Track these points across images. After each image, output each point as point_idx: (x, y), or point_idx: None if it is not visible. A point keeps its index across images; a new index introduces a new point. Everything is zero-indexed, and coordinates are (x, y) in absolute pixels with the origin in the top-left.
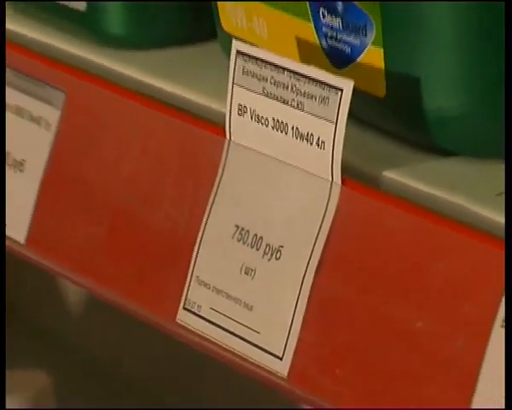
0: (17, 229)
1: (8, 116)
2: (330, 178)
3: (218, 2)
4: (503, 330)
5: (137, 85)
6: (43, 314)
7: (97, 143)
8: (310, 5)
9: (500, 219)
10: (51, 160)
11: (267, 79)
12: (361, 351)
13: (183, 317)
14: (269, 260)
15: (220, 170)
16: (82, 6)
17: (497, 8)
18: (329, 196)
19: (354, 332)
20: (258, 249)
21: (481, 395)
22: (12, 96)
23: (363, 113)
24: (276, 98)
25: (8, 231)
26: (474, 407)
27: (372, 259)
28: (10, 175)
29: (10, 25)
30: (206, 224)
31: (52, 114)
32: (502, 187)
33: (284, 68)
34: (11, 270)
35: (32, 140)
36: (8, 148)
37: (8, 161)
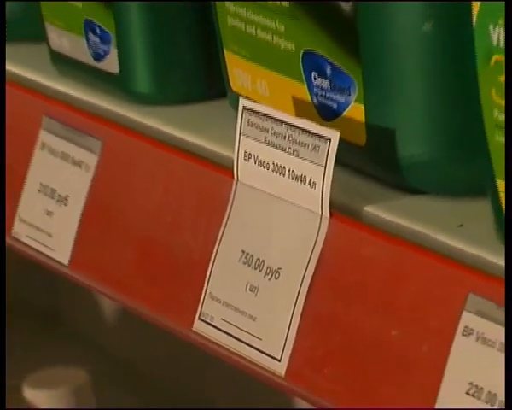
0: (62, 253)
1: (55, 160)
2: (320, 213)
3: (228, 67)
4: (464, 339)
5: (161, 135)
6: (82, 322)
7: (128, 182)
8: (303, 69)
9: (461, 246)
10: (90, 196)
11: (268, 130)
12: (346, 354)
13: (198, 326)
14: (269, 279)
15: (229, 205)
16: (115, 70)
17: (461, 72)
18: (319, 226)
19: (340, 339)
20: (260, 271)
21: (445, 395)
22: (58, 144)
23: (347, 158)
24: (275, 146)
25: (54, 255)
26: (438, 406)
27: (355, 279)
28: (56, 208)
29: (58, 85)
30: (217, 249)
31: (91, 159)
32: (462, 220)
33: (282, 121)
34: (56, 285)
35: (75, 180)
36: (54, 186)
37: (55, 196)
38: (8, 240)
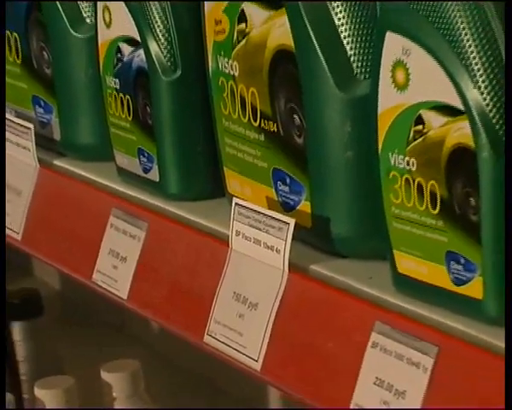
0: (123, 291)
1: (119, 234)
2: (282, 269)
3: (226, 178)
4: (372, 349)
5: (185, 220)
6: (138, 329)
7: (164, 248)
8: (272, 180)
9: (371, 291)
10: (140, 256)
11: (251, 217)
12: (299, 358)
13: (207, 339)
14: (251, 310)
15: (226, 263)
16: (156, 178)
17: (371, 181)
18: (282, 278)
19: (295, 348)
20: (245, 305)
21: (361, 384)
22: (121, 224)
23: (300, 235)
24: (255, 228)
25: (118, 293)
26: (356, 391)
27: (305, 311)
28: (119, 264)
29: (121, 187)
30: (219, 290)
31: (141, 234)
32: (372, 274)
33: (259, 212)
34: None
35: (131, 247)
36: (118, 250)
37: (119, 257)
38: (89, 283)
